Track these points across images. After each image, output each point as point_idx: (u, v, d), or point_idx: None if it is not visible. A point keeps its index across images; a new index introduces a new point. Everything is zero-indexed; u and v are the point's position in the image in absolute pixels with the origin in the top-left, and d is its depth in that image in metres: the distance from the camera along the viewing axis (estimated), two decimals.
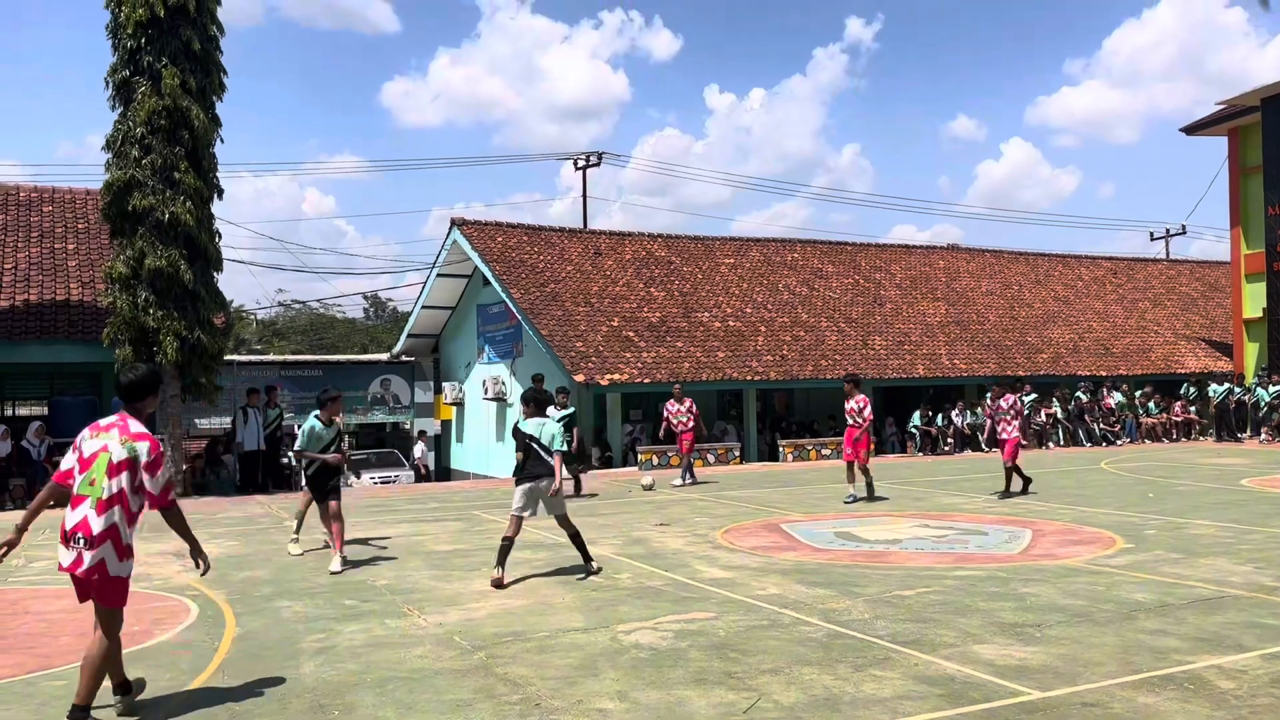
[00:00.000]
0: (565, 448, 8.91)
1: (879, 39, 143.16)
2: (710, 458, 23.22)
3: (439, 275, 27.82)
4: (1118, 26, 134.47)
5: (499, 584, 8.43)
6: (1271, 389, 25.78)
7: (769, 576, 8.77)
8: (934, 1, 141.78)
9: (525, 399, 9.06)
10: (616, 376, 22.33)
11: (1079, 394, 26.93)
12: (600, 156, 40.46)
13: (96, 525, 5.08)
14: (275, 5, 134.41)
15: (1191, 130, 31.27)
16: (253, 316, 56.85)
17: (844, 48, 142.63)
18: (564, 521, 8.92)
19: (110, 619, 5.18)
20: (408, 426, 30.63)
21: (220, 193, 18.53)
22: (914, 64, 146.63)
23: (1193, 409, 28.38)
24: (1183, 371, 30.49)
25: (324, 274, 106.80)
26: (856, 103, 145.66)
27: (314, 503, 10.44)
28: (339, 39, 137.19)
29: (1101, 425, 26.79)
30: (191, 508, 16.09)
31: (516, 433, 8.87)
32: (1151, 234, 52.35)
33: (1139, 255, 41.54)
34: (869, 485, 14.44)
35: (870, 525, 12.06)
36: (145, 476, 5.22)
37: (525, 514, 8.80)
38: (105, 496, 5.12)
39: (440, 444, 30.64)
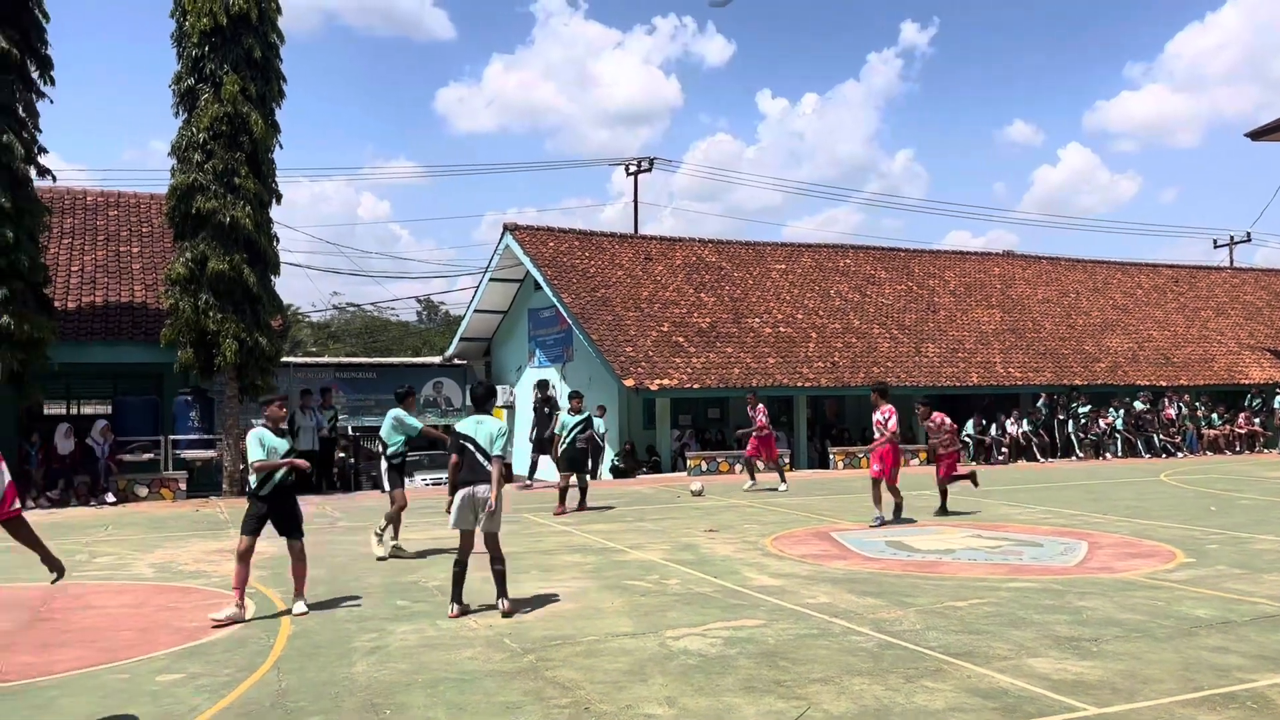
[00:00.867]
0: (503, 453, 7.74)
1: (934, 43, 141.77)
2: (759, 465, 23.09)
3: (491, 279, 28.04)
4: (1180, 29, 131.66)
5: (458, 616, 7.55)
6: None
7: (819, 585, 8.71)
8: (990, 5, 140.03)
9: (471, 395, 8.26)
10: (666, 382, 22.33)
11: (1136, 403, 26.39)
12: (652, 162, 40.53)
13: None
14: (334, 13, 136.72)
15: (1256, 135, 30.48)
16: (307, 319, 57.77)
17: (898, 52, 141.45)
18: (492, 544, 7.70)
19: None
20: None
21: (279, 197, 18.87)
22: (970, 69, 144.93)
23: (1257, 421, 27.67)
24: (1247, 382, 29.73)
25: (379, 278, 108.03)
26: (910, 108, 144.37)
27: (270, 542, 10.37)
28: (395, 46, 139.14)
29: (1161, 436, 26.23)
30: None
31: (450, 432, 8.00)
32: (1215, 241, 51.05)
33: (1201, 263, 40.60)
34: (897, 506, 13.17)
35: (922, 535, 11.92)
36: None
37: (469, 528, 7.68)
38: None
39: None
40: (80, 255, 21.61)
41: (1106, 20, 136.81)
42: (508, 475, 7.88)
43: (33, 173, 16.99)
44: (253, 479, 7.85)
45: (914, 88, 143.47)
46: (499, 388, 29.50)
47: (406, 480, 11.50)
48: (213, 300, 17.50)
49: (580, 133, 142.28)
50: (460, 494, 7.62)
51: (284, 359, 22.83)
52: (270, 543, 11.48)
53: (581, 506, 14.58)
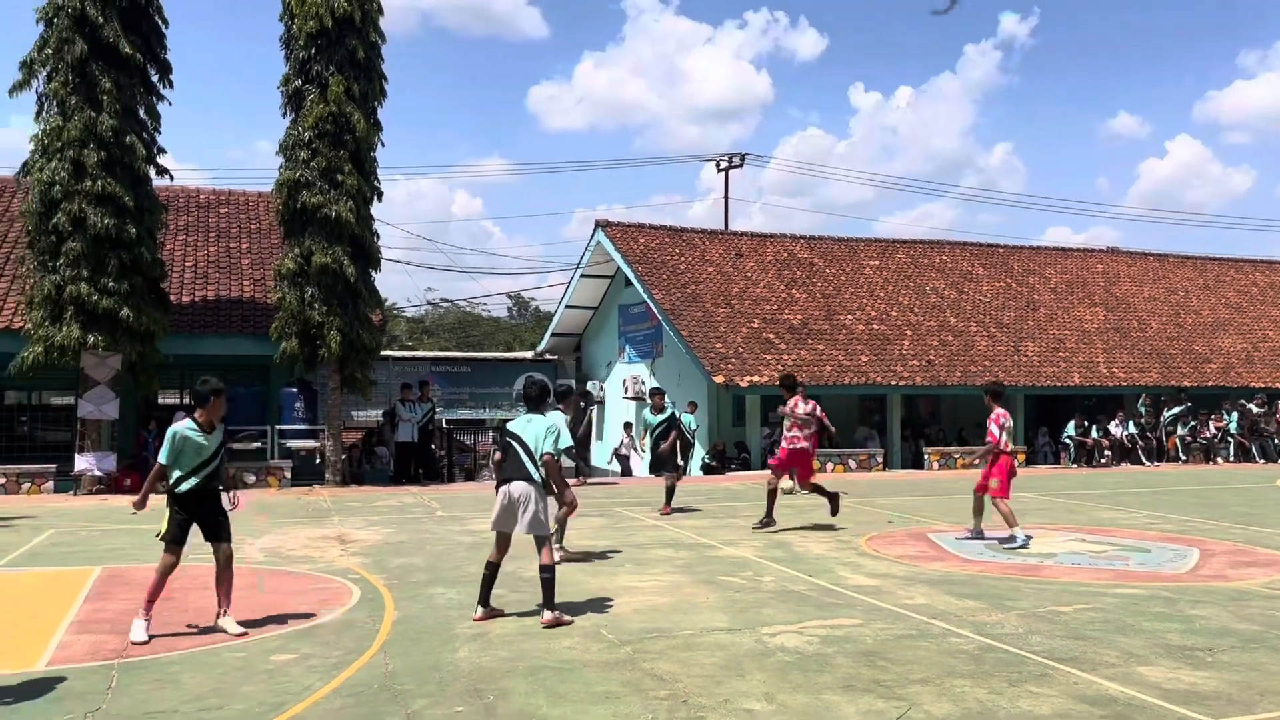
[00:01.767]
0: (558, 452, 7.23)
1: (1035, 34, 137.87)
2: (851, 464, 22.89)
3: (582, 276, 28.30)
4: None
5: (483, 620, 7.22)
6: None
7: (916, 586, 8.60)
8: None
9: (524, 393, 7.69)
10: (756, 379, 22.24)
11: (1250, 406, 25.32)
12: (743, 158, 40.34)
13: None
14: (430, 14, 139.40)
15: None
16: (402, 314, 59.08)
17: (997, 44, 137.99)
18: (540, 547, 7.21)
19: None
20: None
21: (380, 194, 19.38)
22: (1072, 59, 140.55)
23: None
24: None
25: (473, 273, 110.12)
26: (1009, 100, 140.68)
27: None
28: (489, 45, 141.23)
29: (1277, 440, 25.12)
30: (350, 495, 16.91)
31: (500, 430, 7.56)
32: None
33: None
34: (977, 519, 11.54)
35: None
36: None
37: (506, 530, 7.29)
38: None
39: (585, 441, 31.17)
40: (194, 251, 22.52)
41: (1218, 6, 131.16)
42: (559, 473, 7.36)
43: (152, 172, 17.80)
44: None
45: (1013, 79, 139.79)
46: (590, 383, 29.79)
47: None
48: (317, 294, 18.09)
49: (669, 129, 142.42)
50: (500, 491, 7.25)
51: (383, 352, 23.44)
52: (371, 530, 11.84)
53: (666, 506, 13.98)
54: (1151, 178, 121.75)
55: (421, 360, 31.25)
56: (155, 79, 17.95)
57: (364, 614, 7.52)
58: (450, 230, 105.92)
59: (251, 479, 18.57)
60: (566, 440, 7.27)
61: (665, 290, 24.58)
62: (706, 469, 22.86)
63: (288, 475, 18.84)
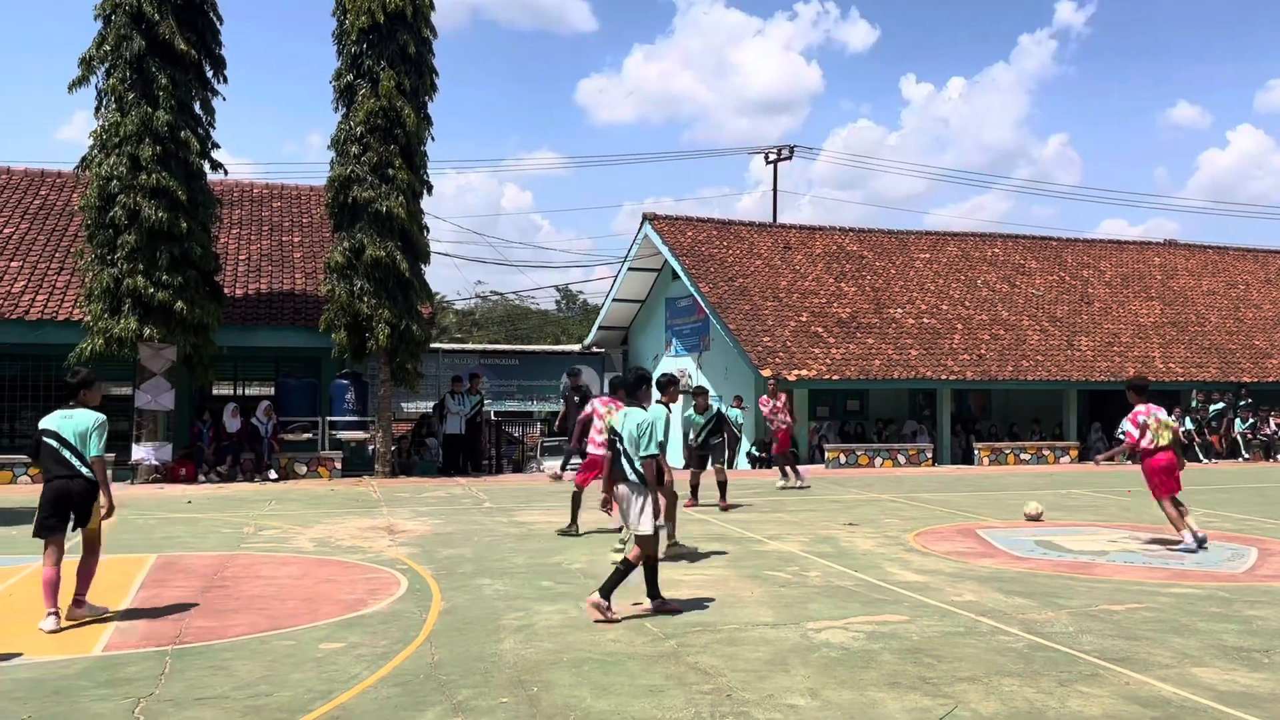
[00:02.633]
0: (657, 451, 7.07)
1: (1091, 23, 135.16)
2: (900, 458, 22.68)
3: (630, 269, 28.30)
4: None
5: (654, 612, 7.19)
6: None
7: (964, 582, 8.50)
8: None
9: (621, 383, 7.52)
10: (804, 373, 22.11)
11: None
12: (792, 150, 40.11)
13: None
14: (479, 8, 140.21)
15: None
16: (452, 307, 59.55)
17: (1052, 33, 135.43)
18: (641, 543, 7.03)
19: None
20: None
21: (430, 188, 19.54)
22: (1130, 49, 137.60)
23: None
24: None
25: (522, 267, 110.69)
26: (1064, 91, 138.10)
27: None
28: (538, 39, 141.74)
29: None
30: (399, 485, 17.10)
31: (609, 431, 7.35)
32: None
33: None
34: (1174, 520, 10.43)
35: (1075, 535, 11.48)
36: None
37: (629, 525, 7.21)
38: None
39: None
40: (247, 244, 22.89)
41: None
42: (660, 474, 7.20)
43: (206, 166, 18.12)
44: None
45: (1069, 70, 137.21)
46: (681, 371, 29.74)
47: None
48: (368, 287, 18.30)
49: (718, 122, 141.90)
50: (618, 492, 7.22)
51: (432, 345, 23.64)
52: (419, 521, 11.94)
53: (722, 499, 13.65)
54: (1211, 169, 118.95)
55: (470, 353, 31.47)
56: (210, 75, 18.26)
57: (411, 604, 7.60)
58: (499, 224, 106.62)
59: (303, 469, 18.86)
60: (659, 435, 7.11)
61: (713, 283, 24.50)
62: (754, 461, 22.78)
63: (338, 466, 19.11)
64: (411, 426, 24.92)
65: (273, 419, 18.74)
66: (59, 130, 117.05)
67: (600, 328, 31.25)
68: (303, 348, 20.68)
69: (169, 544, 10.58)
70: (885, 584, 8.43)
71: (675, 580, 8.48)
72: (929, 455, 23.08)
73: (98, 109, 17.47)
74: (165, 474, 17.75)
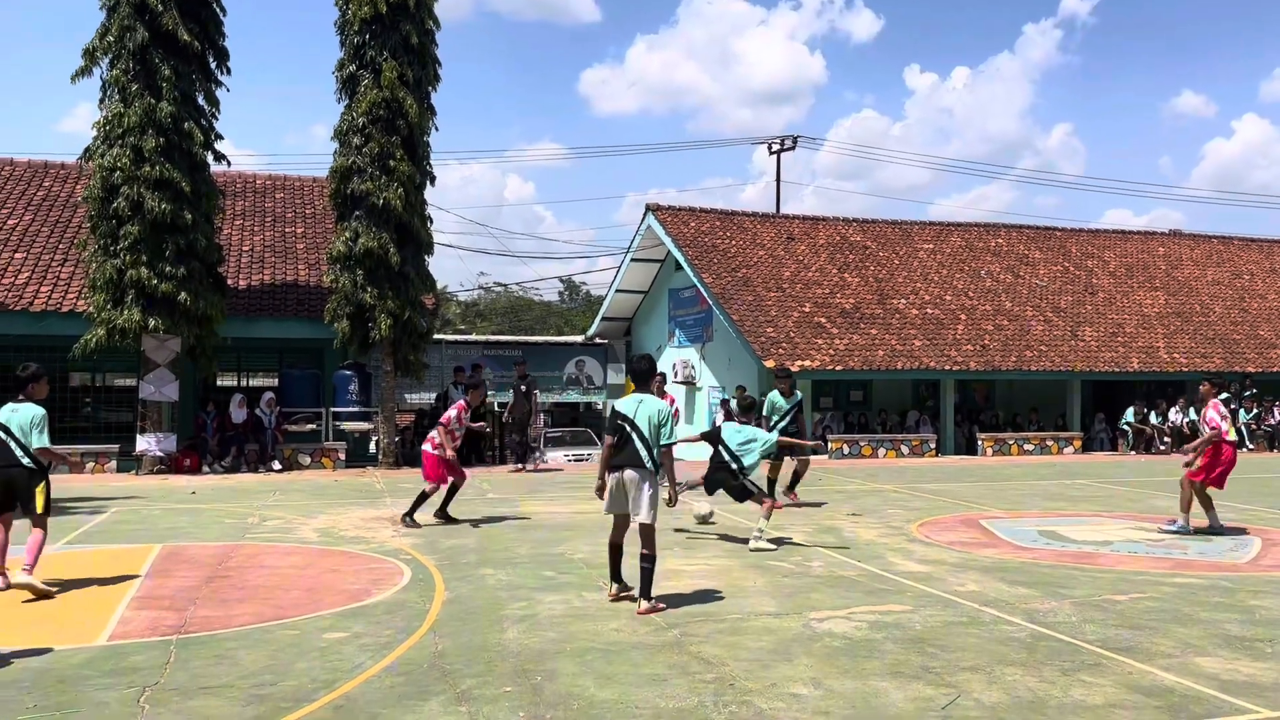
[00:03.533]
0: (674, 439, 7.19)
1: (1096, 13, 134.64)
2: (904, 449, 22.68)
3: (633, 260, 28.28)
4: None
5: (616, 598, 7.31)
6: None
7: (967, 572, 8.50)
8: None
9: (632, 370, 7.50)
10: (808, 363, 22.09)
11: None
12: (795, 140, 40.00)
13: None
14: None
15: None
16: (455, 298, 59.54)
17: (1057, 22, 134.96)
18: (645, 536, 7.05)
19: None
20: (600, 406, 31.44)
21: (433, 179, 19.52)
22: (1135, 38, 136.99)
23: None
24: None
25: (525, 258, 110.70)
26: (1069, 80, 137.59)
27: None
28: (542, 30, 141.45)
29: None
30: (402, 476, 17.12)
31: (612, 413, 7.32)
32: None
33: None
34: (1209, 513, 10.88)
35: (1078, 525, 11.47)
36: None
37: (622, 511, 7.20)
38: None
39: None
40: (250, 236, 22.89)
41: None
42: (671, 461, 7.28)
43: (210, 158, 18.10)
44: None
45: (1073, 59, 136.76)
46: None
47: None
48: (366, 277, 18.28)
49: (721, 112, 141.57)
50: (611, 477, 7.13)
51: (435, 336, 23.63)
52: (423, 512, 11.93)
53: (791, 492, 12.92)
54: (1217, 158, 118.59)
55: (474, 344, 31.50)
56: (213, 66, 18.22)
57: (415, 594, 7.62)
58: (502, 215, 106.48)
59: (307, 460, 18.89)
60: (671, 426, 7.19)
61: (716, 274, 24.47)
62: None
63: (342, 456, 19.14)
64: (414, 417, 24.93)
65: (276, 410, 18.76)
66: (61, 122, 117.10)
67: (603, 319, 31.24)
68: (306, 339, 20.69)
69: (173, 534, 10.60)
70: (888, 574, 8.44)
71: (677, 570, 8.50)
72: (932, 446, 23.07)
73: (102, 100, 17.45)
74: (170, 465, 17.79)
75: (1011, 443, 23.53)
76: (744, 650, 6.01)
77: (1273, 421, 24.58)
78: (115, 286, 16.99)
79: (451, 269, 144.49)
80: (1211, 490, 10.79)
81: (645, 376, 7.45)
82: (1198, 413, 23.75)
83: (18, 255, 19.95)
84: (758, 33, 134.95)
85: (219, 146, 18.37)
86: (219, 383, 22.61)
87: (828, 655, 5.92)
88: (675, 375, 26.39)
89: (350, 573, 8.50)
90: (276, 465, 18.30)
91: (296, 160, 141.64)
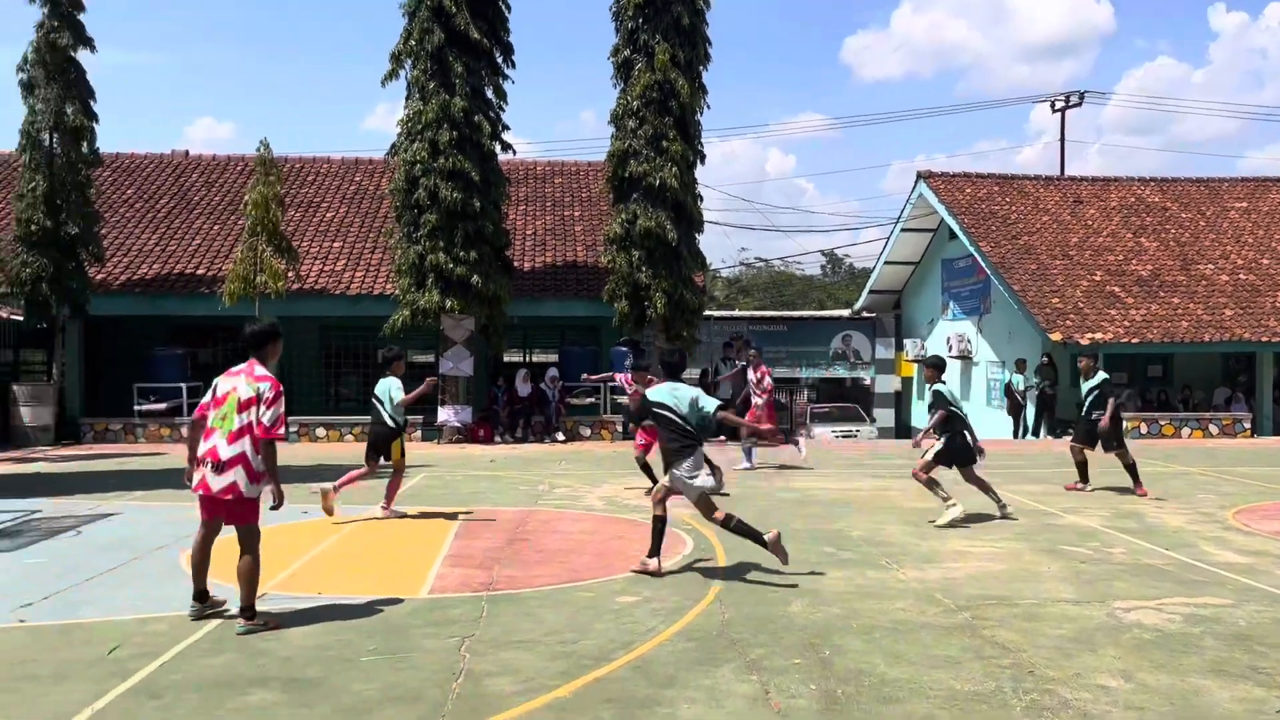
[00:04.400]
0: (710, 424, 7.32)
1: None
2: (1213, 429, 20.72)
3: (903, 230, 27.43)
4: None
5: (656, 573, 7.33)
6: None
7: None
8: None
9: (663, 362, 7.65)
10: (1099, 336, 20.60)
11: None
12: (1082, 95, 37.18)
13: (225, 453, 5.84)
14: None
15: None
16: (718, 274, 60.16)
17: None
18: (702, 503, 7.21)
19: (249, 535, 5.98)
20: (868, 382, 30.83)
21: (703, 158, 19.85)
22: None
23: None
24: None
25: (788, 232, 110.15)
26: None
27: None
28: (802, 1, 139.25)
29: None
30: None
31: (646, 404, 7.36)
32: None
33: None
34: None
35: None
36: (263, 409, 5.88)
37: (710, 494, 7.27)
38: (236, 429, 5.87)
39: (901, 401, 30.44)
40: (532, 220, 24.23)
41: None
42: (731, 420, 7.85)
43: (497, 148, 19.30)
44: None
45: None
46: (909, 341, 28.89)
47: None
48: (643, 256, 18.88)
49: (994, 71, 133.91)
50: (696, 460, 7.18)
51: (705, 312, 24.03)
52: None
53: (1136, 485, 11.71)
54: None
55: (740, 319, 31.78)
56: (500, 60, 19.39)
57: (698, 563, 7.84)
58: (764, 190, 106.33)
59: (587, 432, 19.85)
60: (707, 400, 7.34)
61: (994, 242, 23.30)
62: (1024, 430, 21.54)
63: (619, 429, 19.94)
64: None
65: (559, 384, 19.84)
66: (365, 120, 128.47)
67: (871, 291, 30.54)
68: (585, 316, 21.69)
69: (475, 499, 11.48)
70: (1203, 564, 7.77)
71: (962, 552, 8.24)
72: (1246, 426, 20.90)
73: (407, 99, 19.01)
74: (467, 435, 19.24)
75: None
76: (1042, 637, 5.75)
77: None
78: (417, 271, 18.52)
79: (714, 245, 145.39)
80: None
81: (677, 370, 7.61)
82: None
83: (335, 244, 22.20)
84: None
85: (505, 137, 19.56)
86: (506, 359, 24.14)
87: (1137, 648, 5.55)
88: (950, 349, 25.41)
89: (636, 539, 8.84)
90: (560, 436, 19.35)
91: (569, 146, 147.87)
